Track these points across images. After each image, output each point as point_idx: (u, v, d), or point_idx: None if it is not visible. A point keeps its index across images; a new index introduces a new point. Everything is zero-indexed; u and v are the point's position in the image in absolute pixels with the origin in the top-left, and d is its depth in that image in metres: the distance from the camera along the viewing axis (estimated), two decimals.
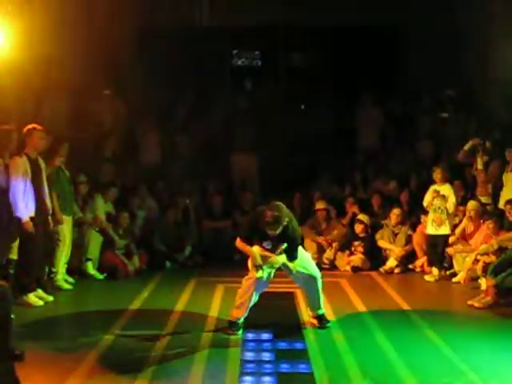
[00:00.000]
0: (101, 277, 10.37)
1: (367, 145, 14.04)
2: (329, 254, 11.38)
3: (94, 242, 10.46)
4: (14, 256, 8.29)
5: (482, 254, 9.64)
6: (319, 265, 10.82)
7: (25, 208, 8.24)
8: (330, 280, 9.66)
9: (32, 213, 8.37)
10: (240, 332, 7.28)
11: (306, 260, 7.57)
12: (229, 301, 8.01)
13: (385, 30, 15.43)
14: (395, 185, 12.26)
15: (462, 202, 10.97)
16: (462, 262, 10.17)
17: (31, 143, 8.54)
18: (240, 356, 6.57)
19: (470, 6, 13.61)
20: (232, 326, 7.32)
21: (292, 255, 7.34)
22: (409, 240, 11.13)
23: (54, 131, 9.74)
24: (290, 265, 7.37)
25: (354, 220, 11.60)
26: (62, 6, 11.01)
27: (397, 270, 10.96)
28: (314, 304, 7.63)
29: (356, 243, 11.27)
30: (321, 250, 11.42)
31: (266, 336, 7.21)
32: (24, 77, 9.99)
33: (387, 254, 11.19)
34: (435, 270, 10.41)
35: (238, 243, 7.43)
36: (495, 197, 10.76)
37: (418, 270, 10.96)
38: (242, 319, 7.35)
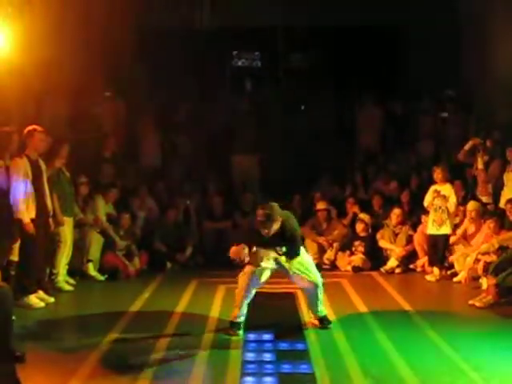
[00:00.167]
0: (102, 278, 10.38)
1: (367, 145, 14.05)
2: (329, 254, 11.39)
3: (95, 243, 10.47)
4: (14, 257, 8.28)
5: (482, 254, 9.64)
6: (320, 265, 10.87)
7: (25, 210, 8.24)
8: (330, 280, 9.66)
9: (33, 214, 8.37)
10: (241, 332, 7.27)
11: (307, 265, 7.50)
12: (230, 301, 7.98)
13: (385, 30, 15.45)
14: (396, 185, 12.27)
15: (462, 201, 10.98)
16: (463, 262, 10.17)
17: (32, 145, 8.55)
18: (241, 357, 6.56)
19: (470, 6, 13.62)
20: (233, 326, 7.31)
21: (292, 254, 7.30)
22: (409, 240, 11.13)
23: (55, 133, 9.73)
24: (286, 265, 7.32)
25: (354, 220, 11.61)
26: (62, 8, 11.00)
27: (398, 270, 10.96)
28: (313, 307, 7.63)
29: (357, 243, 11.27)
30: (321, 251, 11.43)
31: (267, 337, 7.19)
32: (24, 78, 9.98)
33: (388, 254, 11.19)
34: (436, 270, 10.41)
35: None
36: (496, 196, 10.76)
37: (418, 269, 10.96)
38: (242, 318, 7.34)
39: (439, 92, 14.11)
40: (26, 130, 8.57)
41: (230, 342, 7.05)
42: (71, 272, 9.99)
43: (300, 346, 6.91)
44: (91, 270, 10.37)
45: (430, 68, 14.12)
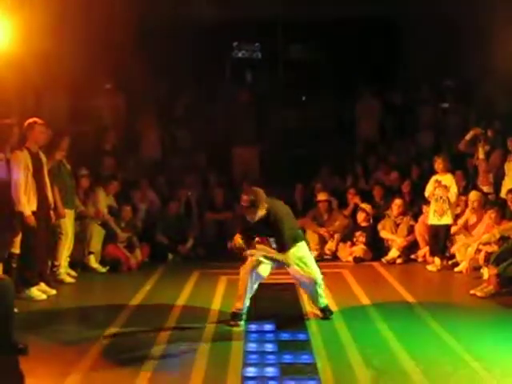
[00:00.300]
0: (103, 270, 10.39)
1: (366, 135, 14.04)
2: (331, 245, 11.40)
3: (96, 235, 10.47)
4: (16, 250, 8.29)
5: (484, 244, 9.65)
6: (321, 256, 10.90)
7: (26, 202, 8.24)
8: (332, 271, 9.68)
9: (34, 207, 8.38)
10: (243, 323, 7.28)
11: (307, 261, 7.47)
12: (232, 293, 8.01)
13: (384, 21, 15.41)
14: (396, 175, 12.26)
15: (463, 191, 10.97)
16: (464, 252, 10.17)
17: (32, 137, 8.54)
18: (243, 347, 6.58)
19: None
20: (235, 317, 7.31)
21: (280, 246, 7.23)
22: (411, 230, 11.14)
23: (55, 125, 9.73)
24: (282, 257, 7.26)
25: (355, 211, 11.62)
26: (62, 1, 10.98)
27: (399, 261, 10.97)
28: (314, 300, 7.64)
29: (358, 233, 11.27)
30: (323, 242, 11.44)
31: (268, 327, 7.21)
32: (24, 71, 9.97)
33: (389, 244, 11.19)
34: (437, 260, 10.41)
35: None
36: (497, 186, 10.76)
37: (420, 260, 10.97)
38: (244, 310, 7.35)
39: (438, 82, 14.08)
40: (26, 123, 8.56)
41: (232, 333, 7.06)
42: (73, 264, 9.99)
43: (302, 337, 6.92)
44: (93, 262, 10.37)
45: (429, 58, 14.10)
